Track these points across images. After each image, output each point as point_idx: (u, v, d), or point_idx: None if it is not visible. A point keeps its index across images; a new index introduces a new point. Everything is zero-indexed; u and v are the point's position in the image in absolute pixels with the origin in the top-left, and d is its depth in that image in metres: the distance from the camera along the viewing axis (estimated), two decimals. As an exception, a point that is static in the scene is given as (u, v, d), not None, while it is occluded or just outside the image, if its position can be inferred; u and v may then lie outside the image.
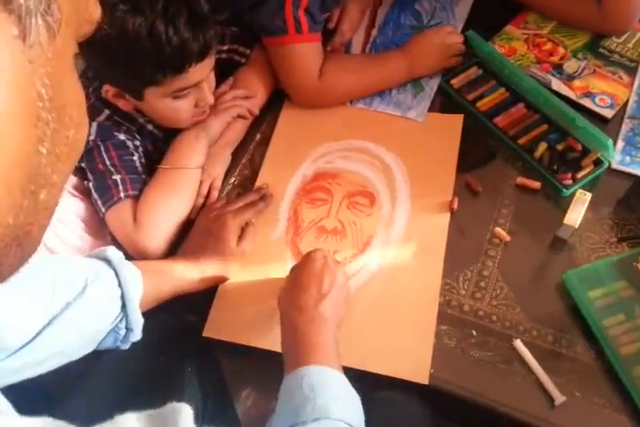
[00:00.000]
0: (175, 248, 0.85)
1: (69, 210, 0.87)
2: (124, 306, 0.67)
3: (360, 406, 0.60)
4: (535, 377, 0.73)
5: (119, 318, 0.68)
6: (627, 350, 0.72)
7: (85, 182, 0.86)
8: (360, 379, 0.76)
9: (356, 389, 0.62)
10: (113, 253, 0.70)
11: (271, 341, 0.78)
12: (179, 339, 0.77)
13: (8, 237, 0.25)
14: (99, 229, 0.89)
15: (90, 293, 0.63)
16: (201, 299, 0.81)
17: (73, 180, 0.88)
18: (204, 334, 0.79)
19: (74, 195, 0.88)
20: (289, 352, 0.65)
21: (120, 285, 0.67)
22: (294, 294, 0.70)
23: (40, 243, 0.28)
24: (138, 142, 0.90)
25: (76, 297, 0.61)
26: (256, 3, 0.92)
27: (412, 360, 0.76)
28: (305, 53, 0.96)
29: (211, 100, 0.88)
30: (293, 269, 0.74)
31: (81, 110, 0.28)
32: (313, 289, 0.69)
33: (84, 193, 0.89)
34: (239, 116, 0.96)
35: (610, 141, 0.84)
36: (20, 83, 0.23)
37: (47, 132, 0.25)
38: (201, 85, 0.85)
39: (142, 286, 0.70)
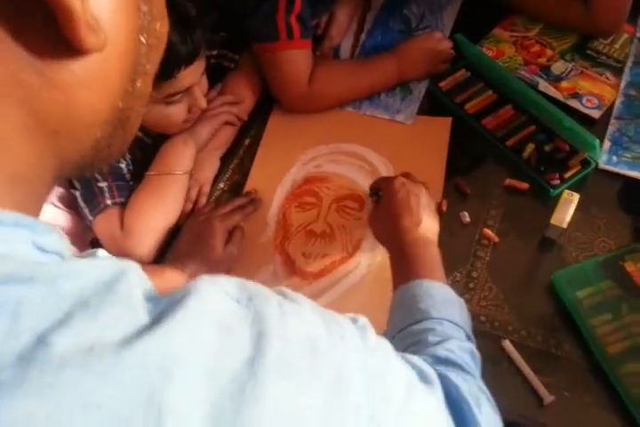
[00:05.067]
0: (164, 254, 0.85)
1: (51, 221, 0.87)
2: None
3: (463, 307, 0.64)
4: (524, 377, 0.73)
5: None
6: (614, 349, 0.72)
7: (72, 191, 0.86)
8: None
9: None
10: (103, 255, 0.70)
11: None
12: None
13: (117, 120, 0.29)
14: (81, 240, 0.89)
15: None
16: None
17: (58, 191, 0.88)
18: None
19: (57, 206, 0.88)
20: (396, 272, 0.70)
21: None
22: (391, 222, 0.74)
23: (136, 130, 0.32)
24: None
25: None
26: (248, 9, 0.92)
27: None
28: (296, 60, 0.96)
29: (203, 103, 0.88)
30: (376, 196, 0.80)
31: (163, 4, 0.30)
32: (406, 215, 0.73)
33: (69, 205, 0.89)
34: (228, 123, 0.96)
35: (597, 142, 0.85)
36: None
37: (144, 23, 0.27)
38: (192, 90, 0.85)
39: None
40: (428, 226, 0.73)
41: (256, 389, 0.23)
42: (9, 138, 0.24)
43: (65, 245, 0.26)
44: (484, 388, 0.51)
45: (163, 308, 0.24)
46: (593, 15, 1.01)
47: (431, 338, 0.55)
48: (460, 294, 0.80)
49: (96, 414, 0.20)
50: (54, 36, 0.23)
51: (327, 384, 0.26)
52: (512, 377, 0.74)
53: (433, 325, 0.58)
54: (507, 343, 0.75)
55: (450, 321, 0.59)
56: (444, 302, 0.62)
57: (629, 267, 0.77)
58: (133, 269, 0.25)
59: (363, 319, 0.36)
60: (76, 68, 0.25)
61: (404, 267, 0.69)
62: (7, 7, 0.22)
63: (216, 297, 0.26)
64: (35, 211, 0.27)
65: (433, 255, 0.69)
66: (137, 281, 0.25)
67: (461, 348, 0.54)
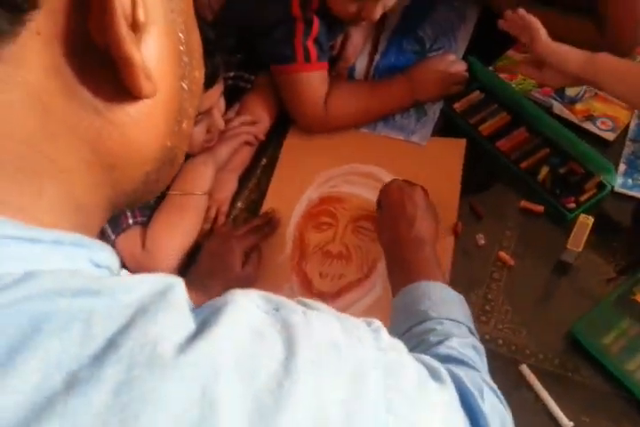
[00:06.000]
0: (184, 273, 0.86)
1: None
2: None
3: (463, 303, 0.66)
4: (542, 403, 0.73)
5: None
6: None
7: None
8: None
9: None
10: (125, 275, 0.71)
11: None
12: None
13: (166, 158, 0.32)
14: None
15: None
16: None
17: None
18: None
19: None
20: (393, 277, 0.73)
21: None
22: (388, 230, 0.78)
23: (180, 167, 0.35)
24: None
25: None
26: (266, 31, 0.94)
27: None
28: (312, 82, 0.98)
29: (222, 124, 0.90)
30: (380, 208, 0.83)
31: (201, 54, 0.33)
32: (401, 218, 0.76)
33: None
34: (246, 143, 0.98)
35: (611, 166, 0.85)
36: (169, 30, 0.29)
37: (186, 72, 0.31)
38: (212, 111, 0.87)
39: None
40: (423, 226, 0.75)
41: (291, 386, 0.26)
42: (74, 171, 0.28)
43: (115, 260, 0.31)
44: (490, 381, 0.51)
45: (205, 316, 0.27)
46: (608, 38, 1.02)
47: (432, 338, 0.57)
48: (477, 317, 0.81)
49: (163, 406, 0.23)
50: (116, 83, 0.27)
51: (347, 382, 0.30)
52: (530, 402, 0.74)
53: (433, 325, 0.60)
54: (524, 368, 0.76)
55: (450, 319, 0.61)
56: (442, 300, 0.64)
57: (640, 299, 0.77)
58: (179, 283, 0.28)
59: (377, 322, 0.38)
60: (132, 111, 0.28)
61: (400, 271, 0.71)
62: (81, 59, 0.26)
63: (249, 307, 0.29)
64: (90, 234, 0.29)
65: (427, 256, 0.71)
66: (182, 293, 0.28)
67: (463, 344, 0.56)
